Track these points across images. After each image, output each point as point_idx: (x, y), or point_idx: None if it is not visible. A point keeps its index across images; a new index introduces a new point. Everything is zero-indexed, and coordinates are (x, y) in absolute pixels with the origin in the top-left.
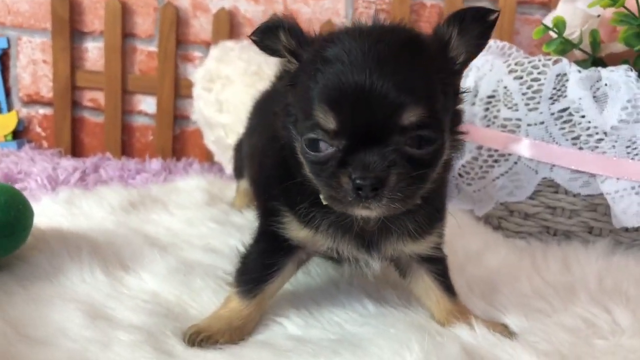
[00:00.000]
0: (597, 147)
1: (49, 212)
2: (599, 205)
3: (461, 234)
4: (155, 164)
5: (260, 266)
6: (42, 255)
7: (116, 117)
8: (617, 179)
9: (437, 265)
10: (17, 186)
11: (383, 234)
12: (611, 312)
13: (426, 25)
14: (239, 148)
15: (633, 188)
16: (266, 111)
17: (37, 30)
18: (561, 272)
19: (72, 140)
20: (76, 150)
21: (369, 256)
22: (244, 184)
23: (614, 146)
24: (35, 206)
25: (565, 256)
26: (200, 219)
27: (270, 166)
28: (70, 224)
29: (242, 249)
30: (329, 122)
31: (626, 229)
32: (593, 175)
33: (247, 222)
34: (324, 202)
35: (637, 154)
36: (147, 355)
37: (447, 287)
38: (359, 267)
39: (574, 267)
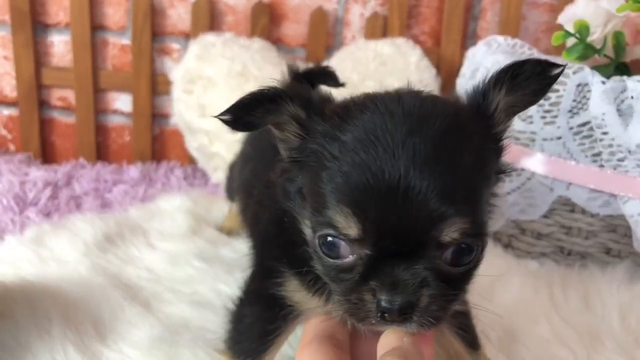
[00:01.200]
0: (619, 165)
1: (14, 257)
2: (618, 226)
3: None
4: (134, 171)
5: (259, 334)
6: (6, 326)
7: (88, 117)
8: None
9: (459, 319)
10: None
11: None
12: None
13: (427, 11)
14: (232, 169)
15: None
16: (261, 141)
17: None
18: (581, 310)
19: (42, 143)
20: (47, 154)
21: None
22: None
23: (638, 165)
24: None
25: (584, 287)
26: (185, 256)
27: (267, 221)
28: (38, 274)
29: (231, 306)
30: (350, 228)
31: None
32: (614, 195)
33: (237, 255)
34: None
35: None
36: None
37: (469, 341)
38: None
39: (594, 301)
